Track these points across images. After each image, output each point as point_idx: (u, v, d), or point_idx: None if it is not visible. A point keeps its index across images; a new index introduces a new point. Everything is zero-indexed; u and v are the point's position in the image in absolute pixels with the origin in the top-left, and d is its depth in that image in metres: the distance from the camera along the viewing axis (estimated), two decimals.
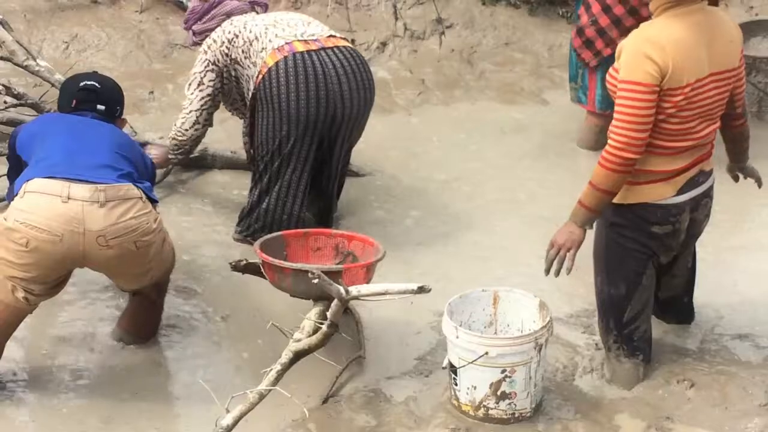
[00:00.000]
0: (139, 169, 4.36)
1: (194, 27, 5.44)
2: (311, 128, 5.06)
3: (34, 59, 6.11)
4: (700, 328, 4.68)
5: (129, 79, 6.77)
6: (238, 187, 5.60)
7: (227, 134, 6.16)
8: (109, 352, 4.55)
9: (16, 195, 4.11)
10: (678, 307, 4.62)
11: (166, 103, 6.56)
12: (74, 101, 4.47)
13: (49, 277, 4.16)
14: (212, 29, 5.30)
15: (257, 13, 5.39)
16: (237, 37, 5.14)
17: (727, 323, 4.72)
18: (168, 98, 6.62)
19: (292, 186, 5.17)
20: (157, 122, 6.32)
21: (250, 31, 5.13)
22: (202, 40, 5.33)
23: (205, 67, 5.22)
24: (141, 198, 4.17)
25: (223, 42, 5.17)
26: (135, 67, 6.92)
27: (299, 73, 5.00)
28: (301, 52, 5.03)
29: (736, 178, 4.53)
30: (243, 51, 5.13)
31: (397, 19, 7.38)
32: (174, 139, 5.39)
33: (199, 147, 5.83)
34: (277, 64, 5.00)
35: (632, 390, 4.30)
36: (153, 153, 5.54)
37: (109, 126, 4.43)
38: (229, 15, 5.32)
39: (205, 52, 5.23)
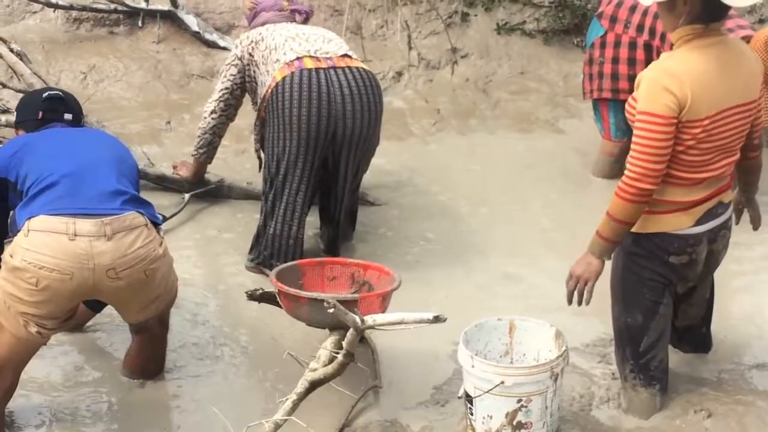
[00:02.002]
0: (134, 179, 4.33)
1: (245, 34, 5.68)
2: (312, 145, 5.13)
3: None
4: (718, 358, 4.65)
5: (146, 110, 6.83)
6: (253, 217, 5.61)
7: (244, 165, 6.19)
8: (121, 387, 4.52)
9: (19, 230, 4.03)
10: (695, 336, 4.60)
11: (183, 133, 6.58)
12: (41, 112, 4.41)
13: (62, 312, 4.13)
14: None
15: (296, 21, 5.61)
16: (263, 40, 5.35)
17: (744, 353, 4.70)
18: (185, 128, 6.65)
19: (292, 205, 5.22)
20: (174, 152, 6.34)
21: (273, 39, 5.32)
22: None
23: (232, 61, 5.49)
24: (146, 225, 4.14)
25: (252, 41, 5.40)
26: (152, 97, 6.96)
27: (303, 89, 5.10)
28: (309, 69, 5.15)
29: (739, 213, 4.49)
30: (263, 56, 5.30)
31: (411, 48, 7.41)
32: (197, 130, 5.70)
33: (216, 179, 5.90)
34: (284, 79, 5.14)
35: (649, 420, 4.27)
36: (182, 172, 5.71)
37: (96, 133, 4.40)
38: (264, 23, 5.56)
39: (236, 47, 5.49)
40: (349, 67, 5.25)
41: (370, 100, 5.22)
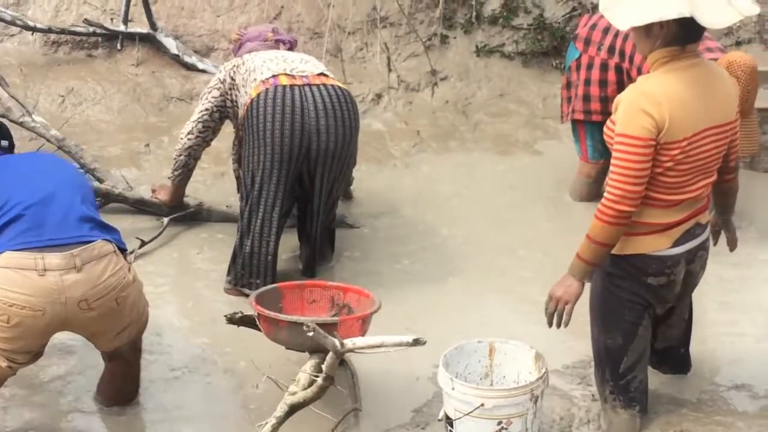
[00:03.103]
0: (94, 201, 4.30)
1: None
2: (286, 159, 5.17)
3: (30, 115, 6.11)
4: (697, 379, 4.66)
5: (125, 132, 6.82)
6: (232, 240, 5.59)
7: (223, 188, 6.19)
8: (96, 413, 4.47)
9: None
10: (674, 357, 4.61)
11: (162, 156, 6.57)
12: None
13: (34, 347, 4.09)
14: None
15: (280, 49, 5.67)
16: (243, 64, 5.41)
17: (723, 373, 4.71)
18: (163, 151, 6.63)
19: (269, 220, 5.24)
20: (153, 175, 6.33)
21: (253, 62, 5.38)
22: None
23: (214, 84, 5.52)
24: (114, 251, 4.11)
25: (234, 66, 5.46)
26: (131, 120, 6.95)
27: (277, 104, 5.15)
28: (284, 86, 5.21)
29: (716, 235, 4.51)
30: (243, 79, 5.35)
31: (391, 71, 7.43)
32: (174, 152, 5.72)
33: (195, 202, 5.90)
34: (258, 95, 5.19)
35: None
36: (161, 196, 5.78)
37: (47, 158, 4.35)
38: (250, 51, 5.62)
39: (220, 72, 5.54)
40: (324, 85, 5.30)
41: (344, 116, 5.25)
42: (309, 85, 5.27)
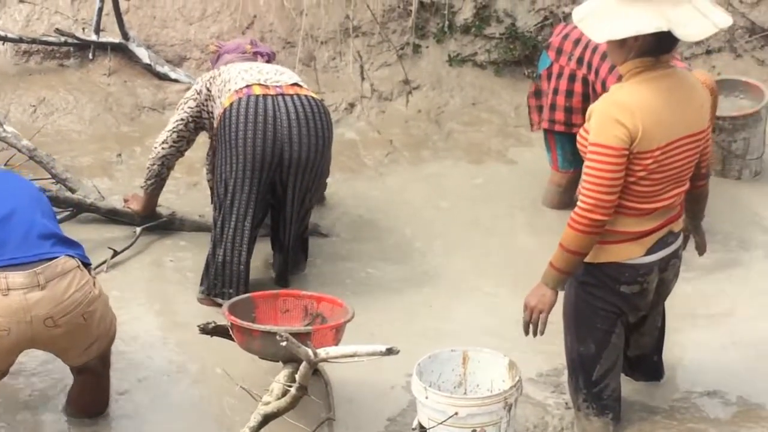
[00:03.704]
0: (54, 216, 4.25)
1: None
2: (258, 168, 5.17)
3: (1, 125, 6.07)
4: (670, 386, 4.69)
5: (97, 142, 6.79)
6: (205, 249, 5.58)
7: (196, 198, 6.17)
8: (65, 424, 4.44)
9: None
10: (647, 365, 4.63)
11: (135, 166, 6.54)
12: None
13: (1, 366, 4.08)
14: None
15: (258, 61, 5.66)
16: (219, 75, 5.41)
17: (695, 380, 4.73)
18: (136, 161, 6.61)
19: (240, 229, 5.23)
20: (125, 185, 6.30)
21: (228, 73, 5.38)
22: None
23: (191, 95, 5.51)
24: (78, 267, 4.07)
25: (210, 77, 5.46)
26: (103, 129, 6.92)
27: (249, 113, 5.16)
28: (257, 95, 5.22)
29: (686, 239, 4.53)
30: (219, 90, 5.35)
31: (364, 80, 7.43)
32: (147, 161, 5.69)
33: (168, 211, 5.88)
34: (231, 104, 5.21)
35: None
36: (133, 206, 5.82)
37: (4, 175, 4.31)
38: (228, 63, 5.61)
39: (197, 83, 5.53)
40: (298, 95, 5.30)
41: (317, 126, 5.26)
42: (282, 95, 5.27)
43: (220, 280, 5.27)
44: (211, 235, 5.34)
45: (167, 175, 5.70)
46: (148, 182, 5.70)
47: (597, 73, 5.68)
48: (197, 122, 5.52)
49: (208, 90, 5.42)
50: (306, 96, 5.33)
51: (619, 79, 5.27)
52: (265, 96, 5.23)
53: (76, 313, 4.03)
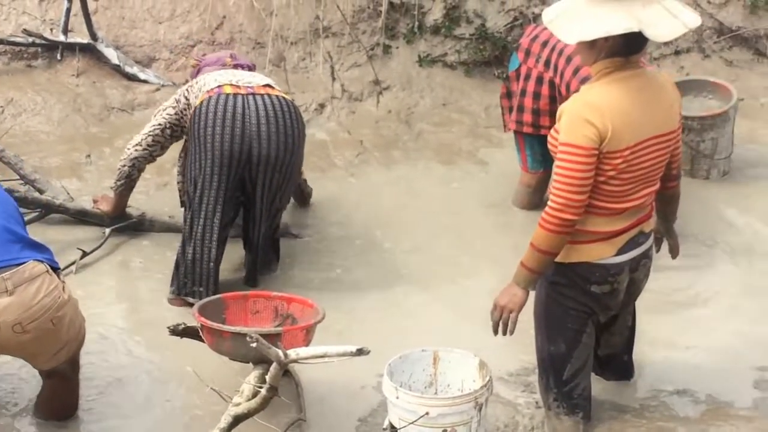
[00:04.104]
0: (21, 219, 4.21)
1: None
2: (226, 164, 5.19)
3: None
4: (639, 385, 4.71)
5: (65, 143, 6.75)
6: (175, 250, 5.56)
7: (165, 199, 6.15)
8: (33, 427, 4.42)
9: None
10: (617, 364, 4.65)
11: (104, 167, 6.51)
12: None
13: None
14: None
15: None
16: (196, 83, 5.44)
17: (665, 379, 4.76)
18: (105, 162, 6.57)
19: (210, 226, 5.23)
20: (94, 186, 6.27)
21: (204, 80, 5.42)
22: None
23: (171, 102, 5.54)
24: (47, 271, 4.04)
25: (189, 86, 5.49)
26: (71, 130, 6.88)
27: (218, 111, 5.19)
28: (227, 94, 5.26)
29: (659, 242, 4.55)
30: (195, 96, 5.38)
31: (334, 80, 7.42)
32: (118, 162, 5.67)
33: (137, 212, 5.86)
34: (201, 103, 5.25)
35: None
36: (102, 207, 5.77)
37: None
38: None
39: (177, 93, 5.56)
40: (269, 95, 5.34)
41: (287, 124, 5.27)
42: (253, 94, 5.30)
43: (190, 279, 5.26)
44: (182, 234, 5.33)
45: (137, 177, 5.68)
46: (118, 183, 5.67)
47: (562, 75, 5.69)
48: (174, 129, 5.52)
49: (186, 99, 5.44)
50: (277, 96, 5.35)
51: (582, 82, 5.35)
52: (235, 95, 5.26)
53: (44, 319, 4.00)
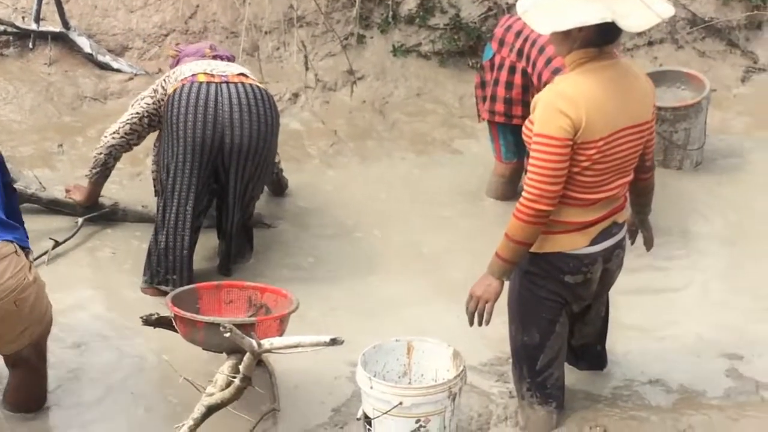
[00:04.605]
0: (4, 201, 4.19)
1: None
2: (199, 152, 5.19)
3: None
4: (613, 375, 4.73)
5: (37, 132, 6.71)
6: (148, 240, 5.54)
7: (139, 189, 6.12)
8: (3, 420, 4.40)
9: None
10: (591, 354, 4.66)
11: (76, 156, 6.48)
12: None
13: None
14: None
15: None
16: (173, 74, 5.44)
17: (638, 369, 4.78)
18: (77, 151, 6.54)
19: (183, 214, 5.23)
20: (67, 175, 6.24)
21: (180, 70, 5.42)
22: None
23: (149, 92, 5.52)
24: (15, 252, 4.03)
25: (166, 76, 5.49)
26: (44, 120, 6.84)
27: (191, 98, 5.20)
28: (200, 82, 5.27)
29: (634, 234, 4.57)
30: (172, 86, 5.37)
31: (308, 70, 7.41)
32: (94, 150, 5.66)
33: (110, 202, 5.83)
34: (175, 91, 5.26)
35: None
36: (75, 196, 5.73)
37: None
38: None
39: (154, 83, 5.56)
40: (242, 83, 5.34)
41: (260, 112, 5.27)
42: (227, 82, 5.31)
43: (164, 267, 5.25)
44: (155, 222, 5.32)
45: (113, 166, 5.66)
46: (93, 171, 5.65)
47: (534, 65, 5.70)
48: (152, 119, 5.50)
49: (164, 89, 5.43)
50: (251, 84, 5.36)
51: (555, 72, 5.36)
52: (209, 83, 5.27)
53: (8, 300, 3.98)
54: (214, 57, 5.67)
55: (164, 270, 5.26)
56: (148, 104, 5.48)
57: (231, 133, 5.20)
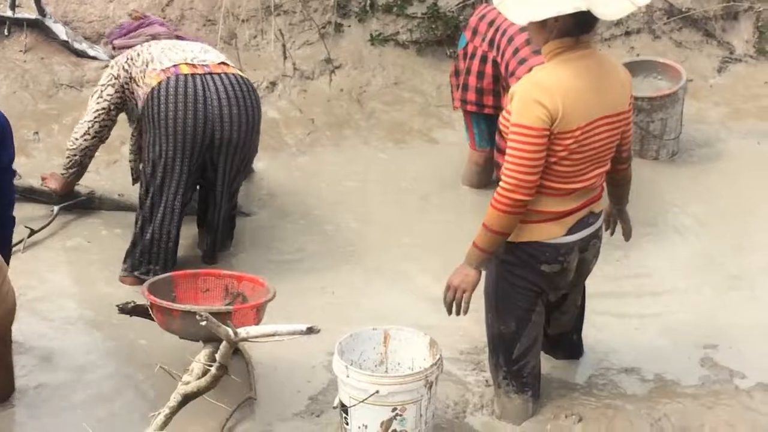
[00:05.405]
0: None
1: (116, 41, 5.62)
2: (189, 148, 5.13)
3: None
4: (588, 363, 4.75)
5: (13, 120, 6.55)
6: (125, 228, 5.52)
7: (115, 177, 6.10)
8: None
9: None
10: (567, 343, 4.68)
11: (52, 144, 6.45)
12: None
13: None
14: (131, 46, 5.45)
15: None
16: (139, 56, 5.30)
17: (613, 358, 4.80)
18: (53, 139, 6.51)
19: (171, 209, 5.21)
20: (43, 163, 6.21)
21: (149, 53, 5.29)
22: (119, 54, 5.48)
23: (108, 80, 5.39)
24: None
25: (128, 58, 5.33)
26: (19, 107, 6.80)
27: (179, 93, 5.11)
28: (185, 75, 5.17)
29: (612, 225, 4.58)
30: (141, 71, 5.26)
31: (286, 58, 7.39)
32: (66, 150, 5.56)
33: (86, 190, 5.81)
34: (159, 84, 5.14)
35: (522, 425, 4.33)
36: (51, 184, 5.66)
37: None
38: (154, 37, 5.49)
39: (112, 67, 5.41)
40: (226, 74, 5.28)
41: (247, 104, 5.24)
42: (210, 74, 5.24)
43: (147, 258, 5.23)
44: (138, 213, 5.29)
45: (89, 163, 5.65)
46: (70, 170, 5.61)
47: (503, 55, 5.71)
48: (119, 108, 5.45)
49: (127, 72, 5.33)
50: (234, 75, 5.31)
51: (521, 63, 5.38)
52: (193, 75, 5.18)
53: None
54: (178, 37, 5.60)
55: (147, 260, 5.24)
56: (111, 95, 5.39)
57: (221, 128, 5.16)
